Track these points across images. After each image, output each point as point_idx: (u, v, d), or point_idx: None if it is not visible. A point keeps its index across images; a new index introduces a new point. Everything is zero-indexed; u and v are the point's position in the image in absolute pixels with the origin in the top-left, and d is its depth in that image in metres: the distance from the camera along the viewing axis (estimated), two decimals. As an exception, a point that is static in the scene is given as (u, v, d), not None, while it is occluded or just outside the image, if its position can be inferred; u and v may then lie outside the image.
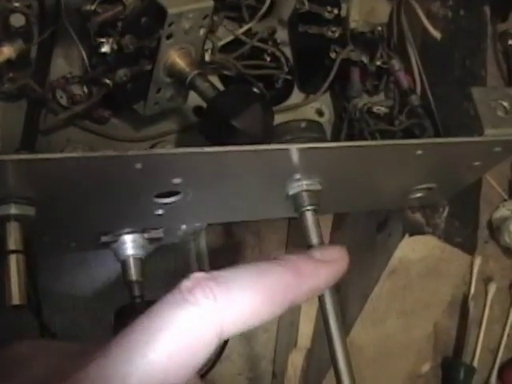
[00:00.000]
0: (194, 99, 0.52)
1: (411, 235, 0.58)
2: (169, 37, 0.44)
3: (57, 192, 0.41)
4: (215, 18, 0.51)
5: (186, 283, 0.32)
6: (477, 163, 0.52)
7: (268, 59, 0.58)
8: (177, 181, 0.43)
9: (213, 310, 0.31)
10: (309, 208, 0.47)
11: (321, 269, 0.38)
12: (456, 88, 0.65)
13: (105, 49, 0.45)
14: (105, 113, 0.51)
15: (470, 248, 0.60)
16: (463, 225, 0.61)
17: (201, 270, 0.35)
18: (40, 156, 0.36)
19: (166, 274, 0.70)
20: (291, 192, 0.47)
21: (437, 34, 0.59)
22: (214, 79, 0.56)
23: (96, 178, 0.40)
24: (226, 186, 0.46)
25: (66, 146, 0.51)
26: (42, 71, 0.52)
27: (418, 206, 0.59)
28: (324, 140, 0.48)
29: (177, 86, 0.47)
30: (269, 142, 0.43)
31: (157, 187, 0.43)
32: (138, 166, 0.39)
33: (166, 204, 0.46)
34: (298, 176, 0.46)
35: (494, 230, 0.86)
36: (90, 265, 0.68)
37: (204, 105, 0.50)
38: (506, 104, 0.50)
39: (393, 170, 0.50)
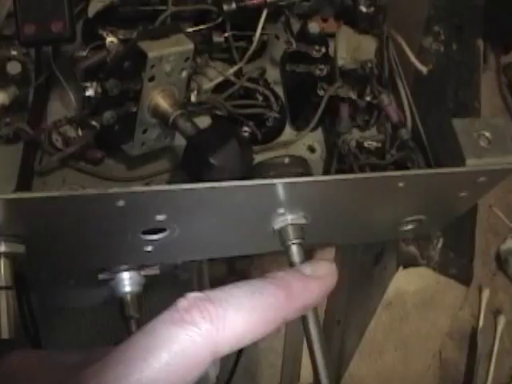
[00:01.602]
0: (186, 138, 0.54)
1: (405, 267, 0.59)
2: (151, 79, 0.46)
3: (44, 230, 0.43)
4: (199, 59, 0.53)
5: (183, 303, 0.33)
6: (463, 194, 0.53)
7: (261, 98, 0.60)
8: (161, 217, 0.44)
9: (208, 330, 0.32)
10: (294, 242, 0.48)
11: (311, 286, 0.39)
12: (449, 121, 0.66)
13: (89, 92, 0.47)
14: (98, 154, 0.53)
15: (466, 279, 0.61)
16: (459, 255, 0.61)
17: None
18: (20, 195, 0.38)
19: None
20: (276, 226, 0.48)
21: (423, 69, 0.60)
22: (206, 119, 0.58)
23: (80, 216, 0.42)
24: (210, 221, 0.47)
25: (62, 186, 0.53)
26: (38, 115, 0.54)
27: (412, 237, 0.60)
28: (308, 175, 0.48)
29: (162, 126, 0.49)
30: (247, 178, 0.44)
31: (141, 224, 0.45)
32: (120, 203, 0.41)
33: (153, 241, 0.47)
34: (282, 210, 0.47)
35: (502, 261, 0.86)
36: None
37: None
38: (488, 134, 0.51)
39: (377, 202, 0.51)
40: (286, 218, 0.48)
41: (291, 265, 0.48)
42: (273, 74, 0.63)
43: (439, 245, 0.61)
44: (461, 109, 0.68)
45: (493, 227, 0.88)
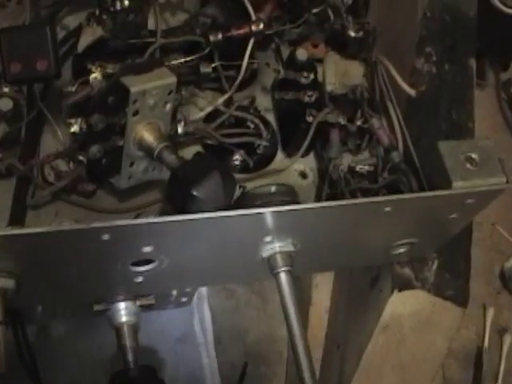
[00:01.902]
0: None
1: (400, 290, 0.59)
2: (135, 113, 0.47)
3: (34, 265, 0.43)
4: (183, 91, 0.53)
5: None
6: (453, 216, 0.53)
7: (252, 126, 0.60)
8: (147, 249, 0.44)
9: None
10: (283, 269, 0.48)
11: None
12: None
13: (74, 128, 0.47)
14: (89, 187, 0.53)
15: (462, 300, 0.60)
16: (454, 277, 0.61)
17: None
18: (4, 233, 0.39)
19: (170, 339, 0.72)
20: (265, 254, 0.49)
21: (411, 92, 0.60)
22: (198, 149, 0.58)
23: (68, 250, 0.42)
24: (198, 252, 0.47)
25: (54, 220, 0.53)
26: (31, 149, 0.55)
27: (406, 260, 0.60)
28: (294, 203, 0.49)
29: (149, 158, 0.49)
30: (230, 208, 0.44)
31: (129, 256, 0.45)
32: (105, 237, 0.41)
33: (142, 272, 0.48)
34: (269, 238, 0.48)
35: (507, 279, 0.86)
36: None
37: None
38: (475, 156, 0.51)
39: (366, 227, 0.51)
40: (274, 246, 0.48)
41: (280, 293, 0.48)
42: (264, 102, 0.63)
43: (434, 266, 0.60)
44: (454, 129, 0.67)
45: (496, 245, 0.88)
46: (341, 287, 0.72)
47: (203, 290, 0.74)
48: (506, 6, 0.98)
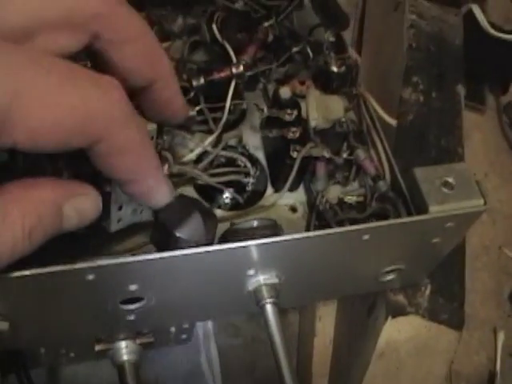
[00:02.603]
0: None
1: (394, 317, 0.60)
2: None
3: (24, 307, 0.45)
4: (165, 137, 0.56)
5: None
6: (436, 240, 0.54)
7: (242, 164, 0.62)
8: (133, 287, 0.46)
9: None
10: (268, 301, 0.50)
11: None
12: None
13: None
14: (82, 230, 0.55)
15: (457, 323, 0.61)
16: (448, 301, 0.61)
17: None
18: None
19: (177, 377, 0.73)
20: (250, 288, 0.50)
21: (392, 122, 0.62)
22: (190, 189, 0.61)
23: (55, 291, 0.44)
24: (184, 288, 0.49)
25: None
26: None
27: (399, 287, 0.61)
28: (276, 235, 0.50)
29: (136, 202, 0.51)
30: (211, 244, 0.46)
31: (117, 295, 0.47)
32: (90, 277, 0.43)
33: (133, 310, 0.50)
34: (252, 272, 0.49)
35: (516, 301, 0.86)
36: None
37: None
38: (451, 180, 0.52)
39: (349, 256, 0.52)
40: (258, 279, 0.50)
41: (266, 325, 0.50)
42: (253, 140, 0.65)
43: (427, 291, 0.61)
44: (444, 155, 0.69)
45: (504, 268, 0.88)
46: (343, 317, 0.73)
47: (209, 327, 0.75)
48: (501, 30, 1.00)
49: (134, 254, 0.56)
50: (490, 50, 1.00)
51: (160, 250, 0.47)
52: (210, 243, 0.46)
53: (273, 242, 0.46)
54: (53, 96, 0.32)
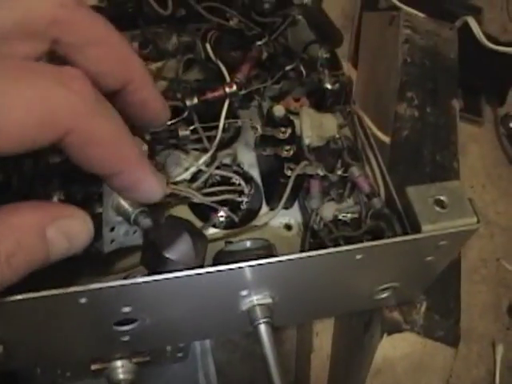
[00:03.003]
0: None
1: (390, 334, 0.60)
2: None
3: (18, 330, 0.46)
4: (157, 157, 0.56)
5: None
6: (430, 258, 0.54)
7: (237, 183, 0.62)
8: (127, 309, 0.46)
9: None
10: (262, 321, 0.50)
11: None
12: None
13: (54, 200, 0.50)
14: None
15: (453, 340, 0.61)
16: (444, 318, 0.61)
17: None
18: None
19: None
20: (243, 308, 0.50)
21: (386, 139, 0.62)
22: (184, 208, 0.61)
23: (50, 314, 0.44)
24: (178, 309, 0.49)
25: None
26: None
27: (394, 305, 0.61)
28: (270, 256, 0.50)
29: (128, 223, 0.51)
30: (202, 265, 0.46)
31: (110, 317, 0.47)
32: (83, 300, 0.43)
33: (127, 331, 0.50)
34: (245, 292, 0.49)
35: (515, 315, 0.85)
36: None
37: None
38: (444, 198, 0.52)
39: (342, 276, 0.52)
40: (252, 299, 0.50)
41: (260, 345, 0.50)
42: (248, 158, 0.65)
43: (423, 308, 0.61)
44: (439, 171, 0.69)
45: (502, 281, 0.88)
46: (340, 333, 0.73)
47: (207, 344, 0.75)
48: (497, 42, 1.01)
49: (126, 277, 0.56)
50: (486, 62, 1.00)
51: (150, 270, 0.47)
52: (201, 265, 0.47)
53: (265, 263, 0.46)
54: (8, 97, 0.32)
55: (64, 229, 0.37)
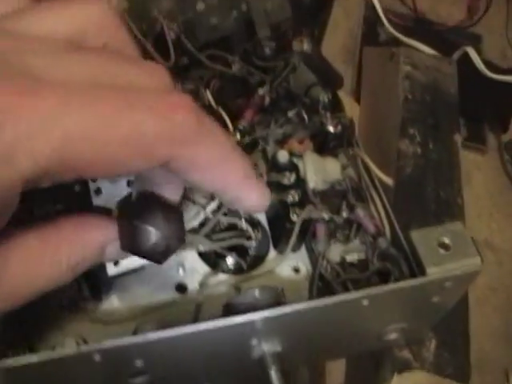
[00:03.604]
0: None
1: (400, 372, 0.60)
2: (97, 192, 0.53)
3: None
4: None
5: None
6: (436, 299, 0.55)
7: (245, 228, 0.64)
8: (139, 363, 0.48)
9: None
10: (272, 369, 0.51)
11: None
12: (433, 221, 0.69)
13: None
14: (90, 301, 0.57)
15: (463, 377, 0.61)
16: (453, 354, 0.62)
17: None
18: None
19: None
20: (254, 356, 0.51)
21: (389, 181, 0.63)
22: (192, 254, 0.62)
23: (65, 373, 0.46)
24: (190, 360, 0.50)
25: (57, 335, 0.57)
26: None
27: (403, 344, 0.61)
28: (279, 303, 0.51)
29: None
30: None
31: (123, 371, 0.48)
32: (97, 358, 0.45)
33: (141, 383, 0.51)
34: (255, 342, 0.50)
35: (527, 341, 0.86)
36: None
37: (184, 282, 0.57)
38: (447, 240, 0.53)
39: (351, 320, 0.53)
40: (262, 348, 0.51)
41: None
42: (254, 203, 0.67)
43: (432, 346, 0.62)
44: (443, 208, 0.70)
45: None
46: (352, 372, 0.73)
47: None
48: (497, 70, 1.02)
49: (137, 328, 0.57)
50: (487, 90, 1.02)
51: (131, 251, 0.42)
52: (182, 237, 0.43)
53: (274, 315, 0.47)
54: (101, 129, 0.30)
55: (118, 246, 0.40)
